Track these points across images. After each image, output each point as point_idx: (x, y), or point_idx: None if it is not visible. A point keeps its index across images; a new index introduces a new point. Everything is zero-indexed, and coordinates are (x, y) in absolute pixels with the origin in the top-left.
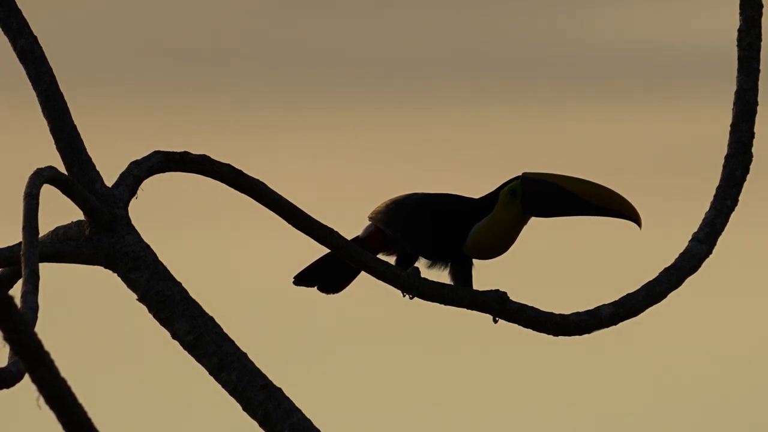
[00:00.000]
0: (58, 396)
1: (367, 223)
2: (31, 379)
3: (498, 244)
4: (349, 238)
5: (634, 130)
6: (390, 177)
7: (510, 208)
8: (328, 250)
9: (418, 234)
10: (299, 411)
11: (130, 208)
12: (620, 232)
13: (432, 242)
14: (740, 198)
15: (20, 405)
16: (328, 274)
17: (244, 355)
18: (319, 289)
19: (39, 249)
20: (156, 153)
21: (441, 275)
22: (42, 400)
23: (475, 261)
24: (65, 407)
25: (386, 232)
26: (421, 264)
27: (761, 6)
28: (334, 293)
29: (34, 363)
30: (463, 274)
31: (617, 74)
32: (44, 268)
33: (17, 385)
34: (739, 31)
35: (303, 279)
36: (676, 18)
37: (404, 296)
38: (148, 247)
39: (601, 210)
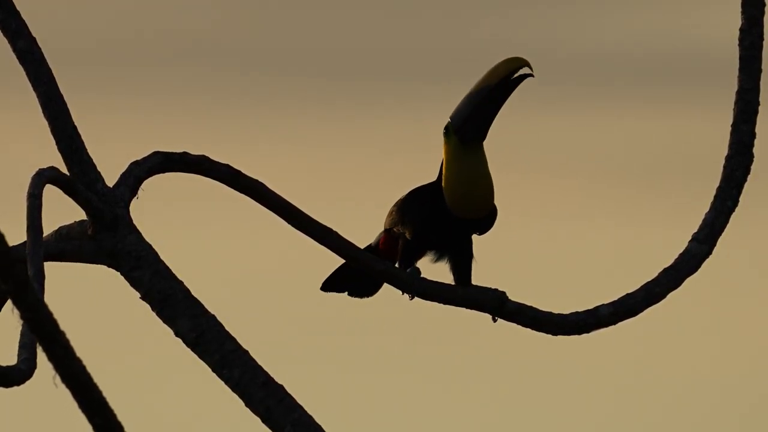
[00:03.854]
0: (74, 374)
1: (378, 231)
2: (47, 357)
3: (462, 186)
4: (352, 239)
5: (634, 130)
6: (391, 177)
7: (450, 147)
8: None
9: (414, 219)
10: (301, 407)
11: (131, 208)
12: (620, 233)
13: (426, 222)
14: (741, 199)
15: (26, 402)
16: (356, 278)
17: (246, 352)
18: (349, 294)
19: (43, 248)
20: (156, 153)
21: (442, 273)
22: (58, 379)
23: (477, 256)
24: (81, 385)
25: (393, 232)
26: (428, 259)
27: (763, 5)
28: (366, 297)
29: (50, 342)
30: (462, 267)
31: (617, 74)
32: (49, 266)
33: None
34: (741, 30)
35: (331, 285)
36: (677, 16)
37: (404, 295)
38: (150, 246)
39: (506, 87)
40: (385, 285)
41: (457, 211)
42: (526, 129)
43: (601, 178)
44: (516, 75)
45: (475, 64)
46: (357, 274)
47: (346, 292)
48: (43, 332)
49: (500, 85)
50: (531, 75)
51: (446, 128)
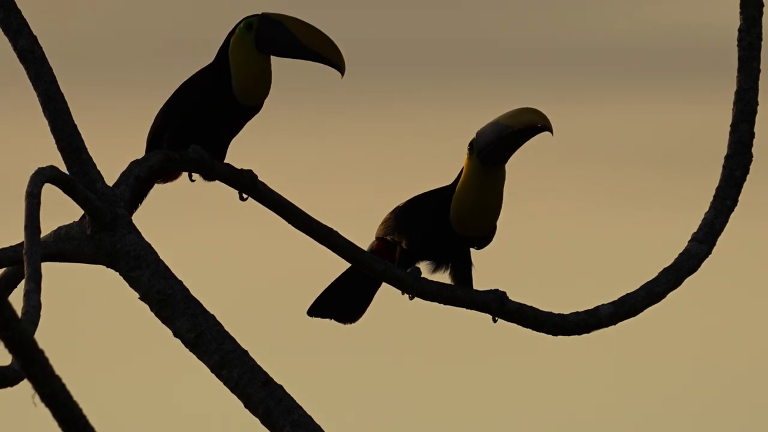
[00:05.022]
0: (53, 394)
1: (370, 241)
2: (25, 376)
3: (473, 206)
4: (353, 240)
5: (633, 129)
6: (391, 178)
7: (471, 164)
8: (331, 272)
9: (413, 229)
10: (300, 408)
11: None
12: (620, 233)
13: (425, 234)
14: (740, 198)
15: (21, 404)
16: (342, 302)
17: (245, 352)
18: (335, 319)
19: (41, 248)
20: (156, 152)
21: (443, 277)
22: (37, 398)
23: (476, 259)
24: (59, 405)
25: (389, 241)
26: (426, 268)
27: (762, 5)
28: (351, 323)
29: (28, 361)
30: (463, 275)
31: (617, 74)
32: (47, 267)
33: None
34: (740, 30)
35: (317, 310)
36: (676, 17)
37: (404, 296)
38: (149, 246)
39: (527, 133)
40: (374, 299)
41: (460, 228)
42: None
43: (601, 178)
44: (539, 125)
45: (477, 62)
46: (343, 295)
47: (332, 318)
48: (19, 351)
49: (523, 131)
50: (550, 132)
51: (471, 144)
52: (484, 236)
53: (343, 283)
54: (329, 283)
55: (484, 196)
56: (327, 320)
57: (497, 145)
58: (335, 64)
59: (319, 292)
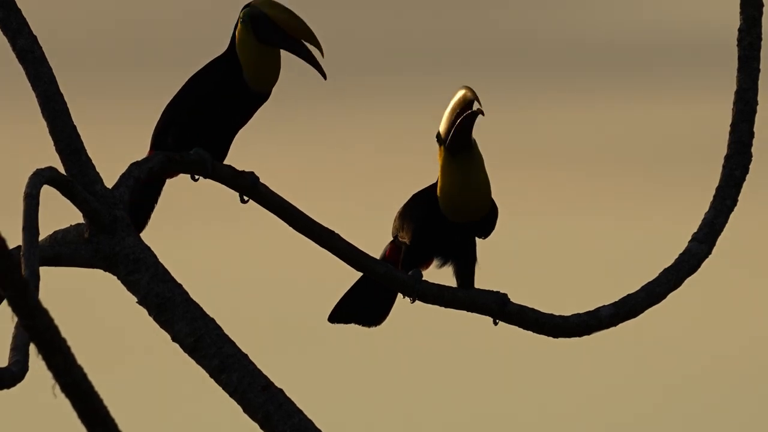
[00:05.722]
0: (74, 383)
1: (382, 237)
2: (47, 366)
3: (453, 193)
4: (355, 242)
5: (633, 130)
6: (392, 180)
7: (441, 155)
8: (332, 274)
9: (411, 224)
10: (301, 412)
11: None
12: (620, 233)
13: (422, 227)
14: (740, 198)
15: (22, 406)
16: (363, 307)
17: (245, 356)
18: (358, 323)
19: (39, 250)
20: (156, 154)
21: (443, 275)
22: (57, 389)
23: (479, 259)
24: (81, 394)
25: (397, 241)
26: (434, 264)
27: (762, 5)
28: (375, 326)
29: (50, 350)
30: (465, 272)
31: (617, 74)
32: (44, 272)
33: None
34: (740, 30)
35: (338, 316)
36: (676, 16)
37: (405, 298)
38: (149, 248)
39: (467, 116)
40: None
41: (451, 216)
42: (521, 126)
43: (601, 179)
44: (469, 111)
45: (478, 62)
46: (363, 299)
47: (354, 323)
48: (43, 340)
49: (463, 111)
50: (481, 113)
51: (437, 136)
52: (482, 222)
53: (363, 286)
54: (348, 288)
55: (462, 182)
56: (346, 325)
57: (454, 132)
58: (317, 66)
59: (328, 296)
